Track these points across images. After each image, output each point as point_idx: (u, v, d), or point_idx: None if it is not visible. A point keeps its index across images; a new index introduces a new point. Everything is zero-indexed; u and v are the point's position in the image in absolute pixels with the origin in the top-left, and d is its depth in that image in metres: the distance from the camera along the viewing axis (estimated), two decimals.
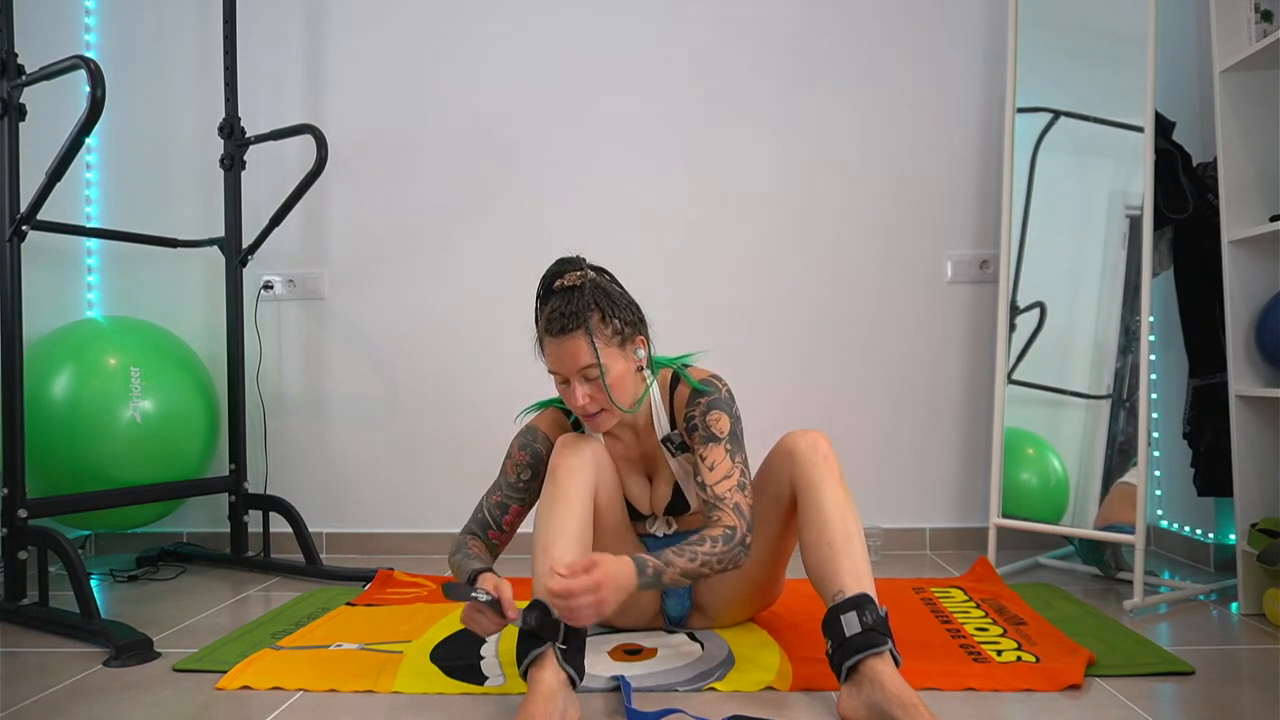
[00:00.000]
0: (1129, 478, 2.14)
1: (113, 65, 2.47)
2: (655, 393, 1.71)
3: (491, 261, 2.74)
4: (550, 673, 1.36)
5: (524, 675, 1.40)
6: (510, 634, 1.82)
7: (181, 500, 2.69)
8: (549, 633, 1.39)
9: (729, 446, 1.59)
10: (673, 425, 1.70)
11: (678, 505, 1.75)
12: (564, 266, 1.60)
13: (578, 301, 1.54)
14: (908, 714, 1.28)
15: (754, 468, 1.73)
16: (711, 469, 1.57)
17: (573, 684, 1.40)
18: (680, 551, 1.45)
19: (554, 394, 1.81)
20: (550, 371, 1.59)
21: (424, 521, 2.76)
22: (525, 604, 2.03)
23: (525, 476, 1.72)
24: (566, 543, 1.50)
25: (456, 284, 2.75)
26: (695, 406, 1.64)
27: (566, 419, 1.77)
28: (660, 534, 1.78)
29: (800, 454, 1.59)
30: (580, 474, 1.56)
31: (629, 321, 1.59)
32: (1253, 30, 1.94)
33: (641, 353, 1.62)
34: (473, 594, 1.44)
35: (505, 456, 1.76)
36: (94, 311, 2.82)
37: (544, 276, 1.62)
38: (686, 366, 1.71)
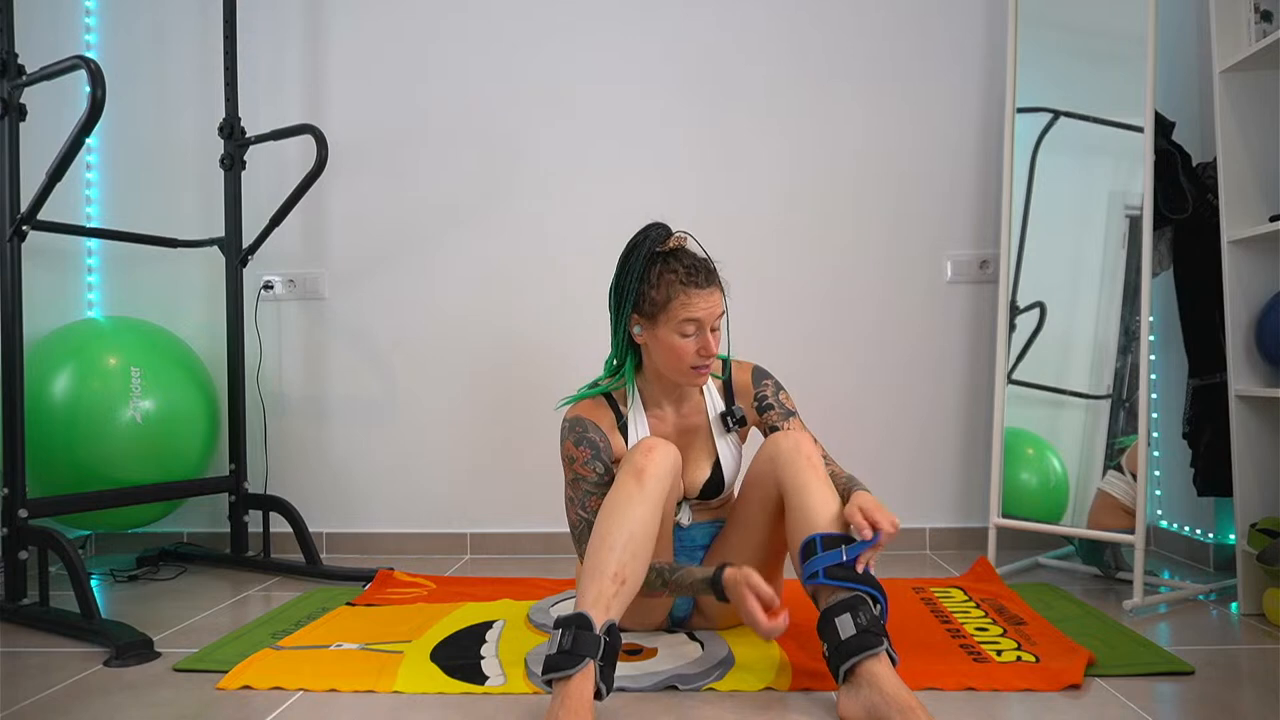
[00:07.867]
0: (1105, 484, 2.14)
1: (113, 65, 2.46)
2: None
3: (492, 259, 2.74)
4: (586, 685, 1.31)
5: (548, 682, 1.34)
6: (510, 635, 1.82)
7: (181, 500, 2.69)
8: (589, 648, 1.33)
9: (801, 419, 1.75)
10: (728, 403, 1.77)
11: (713, 488, 1.74)
12: (664, 230, 1.68)
13: (701, 258, 1.65)
14: (905, 718, 1.29)
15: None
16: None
17: (598, 696, 1.34)
18: None
19: (568, 393, 1.80)
20: (685, 321, 1.61)
21: (424, 521, 2.76)
22: (530, 603, 2.05)
23: (600, 470, 1.65)
24: (634, 549, 1.45)
25: (457, 283, 2.75)
26: (764, 386, 1.77)
27: (608, 405, 1.73)
28: (685, 522, 1.76)
29: (783, 457, 1.58)
30: (664, 482, 1.52)
31: None
32: (1252, 30, 1.95)
33: None
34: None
35: (567, 463, 1.69)
36: (94, 311, 2.82)
37: (648, 239, 1.66)
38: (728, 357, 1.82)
